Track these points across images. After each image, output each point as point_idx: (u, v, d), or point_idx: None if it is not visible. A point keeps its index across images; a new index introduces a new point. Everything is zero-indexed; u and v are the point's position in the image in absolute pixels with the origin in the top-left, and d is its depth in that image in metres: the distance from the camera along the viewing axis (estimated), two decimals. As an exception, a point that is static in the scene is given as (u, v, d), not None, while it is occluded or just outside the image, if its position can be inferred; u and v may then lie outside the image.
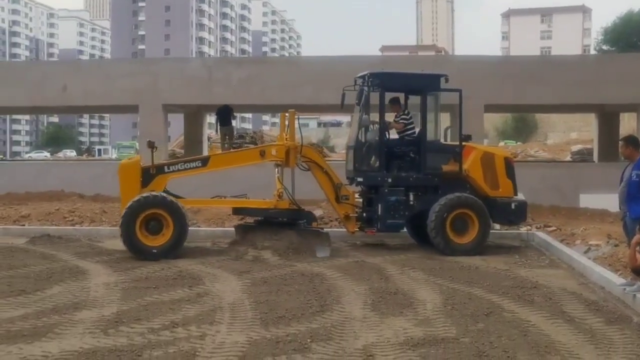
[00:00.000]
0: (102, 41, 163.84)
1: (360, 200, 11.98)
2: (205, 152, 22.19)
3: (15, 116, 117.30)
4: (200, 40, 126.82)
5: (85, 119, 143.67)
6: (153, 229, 10.52)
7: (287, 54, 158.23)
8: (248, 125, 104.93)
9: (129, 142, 69.97)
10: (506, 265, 10.16)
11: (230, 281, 8.70)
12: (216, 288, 8.25)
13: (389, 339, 6.10)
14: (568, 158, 32.38)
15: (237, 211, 11.95)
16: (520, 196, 12.17)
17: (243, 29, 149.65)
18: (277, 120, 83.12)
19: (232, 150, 16.73)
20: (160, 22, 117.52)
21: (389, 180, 11.52)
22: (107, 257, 10.46)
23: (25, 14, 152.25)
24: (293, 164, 11.34)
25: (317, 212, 14.10)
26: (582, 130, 54.03)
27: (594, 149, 25.03)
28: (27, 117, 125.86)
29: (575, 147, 34.21)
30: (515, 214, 11.77)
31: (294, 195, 11.27)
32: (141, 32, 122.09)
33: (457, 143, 11.77)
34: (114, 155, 60.70)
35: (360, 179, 11.74)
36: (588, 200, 16.51)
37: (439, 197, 11.33)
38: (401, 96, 12.47)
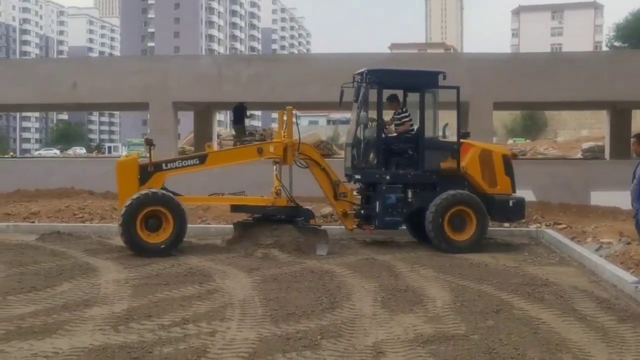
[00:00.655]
0: (112, 39, 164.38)
1: (359, 197, 11.96)
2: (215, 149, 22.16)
3: (25, 113, 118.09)
4: (210, 37, 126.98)
5: (95, 117, 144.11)
6: (152, 226, 10.52)
7: (296, 52, 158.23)
8: (258, 123, 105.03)
9: (139, 139, 70.09)
10: (515, 262, 10.12)
11: (241, 278, 8.71)
12: (226, 285, 8.26)
13: (399, 336, 6.09)
14: (579, 155, 32.19)
15: (235, 209, 11.93)
16: (529, 194, 12.10)
17: (252, 26, 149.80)
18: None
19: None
20: (169, 19, 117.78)
21: (387, 177, 11.46)
22: (117, 254, 10.47)
23: (36, 12, 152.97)
24: (291, 161, 11.34)
25: (325, 210, 14.11)
26: (594, 128, 53.63)
27: (606, 146, 24.87)
28: (37, 114, 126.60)
29: (586, 144, 33.98)
30: (513, 211, 11.72)
31: (291, 193, 11.28)
32: (151, 30, 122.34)
33: (455, 140, 11.73)
34: (124, 153, 60.86)
35: (358, 177, 11.68)
36: (599, 198, 16.41)
37: (437, 195, 11.29)
38: (399, 93, 12.41)
